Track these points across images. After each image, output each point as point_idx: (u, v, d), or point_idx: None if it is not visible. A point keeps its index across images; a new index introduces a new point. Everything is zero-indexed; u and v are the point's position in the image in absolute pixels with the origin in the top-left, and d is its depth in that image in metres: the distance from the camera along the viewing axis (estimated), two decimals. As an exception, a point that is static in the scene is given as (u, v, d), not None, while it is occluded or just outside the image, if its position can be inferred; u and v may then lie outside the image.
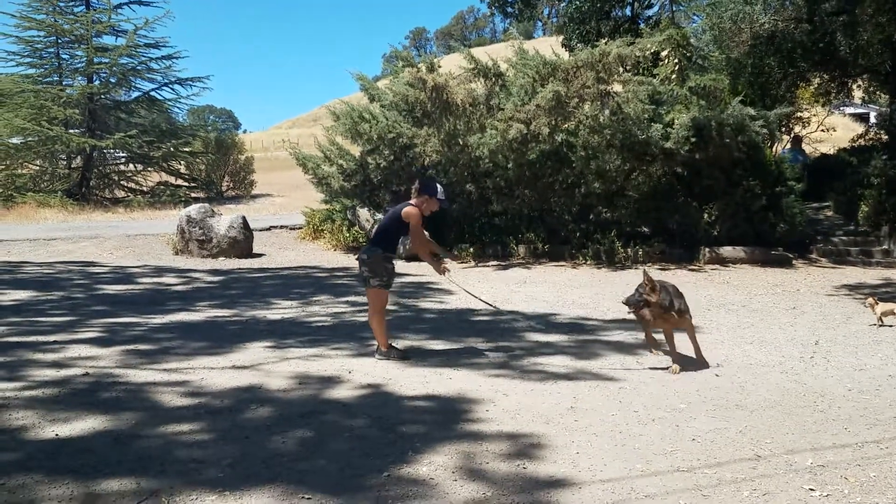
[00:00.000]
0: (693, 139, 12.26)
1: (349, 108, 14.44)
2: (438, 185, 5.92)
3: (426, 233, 6.12)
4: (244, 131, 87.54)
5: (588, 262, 12.69)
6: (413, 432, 4.16)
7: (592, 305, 8.84)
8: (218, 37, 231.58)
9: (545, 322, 7.11)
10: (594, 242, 12.94)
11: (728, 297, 9.68)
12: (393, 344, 6.03)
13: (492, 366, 5.73)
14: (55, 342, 6.20)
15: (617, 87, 12.88)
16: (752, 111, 12.82)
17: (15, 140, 27.42)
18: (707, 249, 12.80)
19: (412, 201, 5.90)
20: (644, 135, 12.37)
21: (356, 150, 15.02)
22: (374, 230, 5.94)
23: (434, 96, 12.64)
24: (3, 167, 27.47)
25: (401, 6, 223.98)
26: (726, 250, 12.78)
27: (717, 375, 5.59)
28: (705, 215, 13.07)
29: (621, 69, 12.64)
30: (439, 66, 13.70)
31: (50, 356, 5.69)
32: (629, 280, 11.08)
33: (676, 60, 15.86)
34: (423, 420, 4.39)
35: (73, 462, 3.58)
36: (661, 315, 5.67)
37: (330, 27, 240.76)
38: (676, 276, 11.51)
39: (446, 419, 4.40)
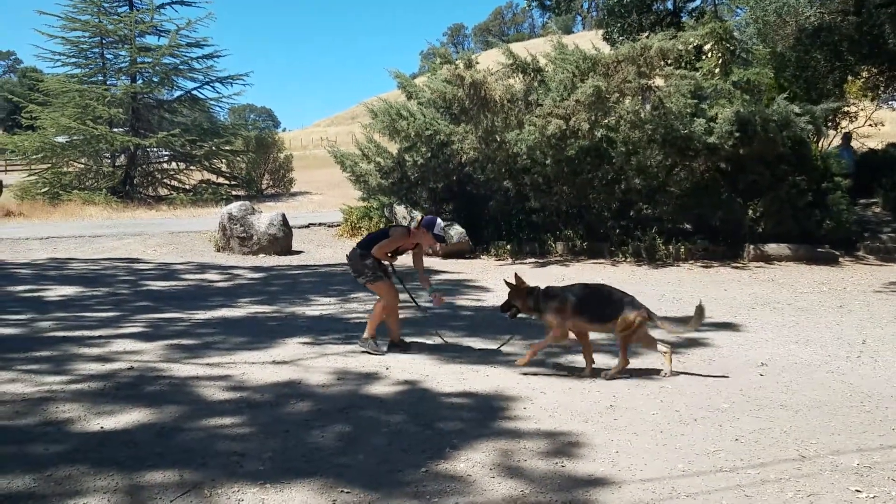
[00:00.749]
0: (737, 134, 12.03)
1: (387, 106, 14.48)
2: (438, 222, 6.09)
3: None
4: (283, 130, 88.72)
5: (628, 260, 12.54)
6: (450, 429, 4.16)
7: (632, 303, 8.71)
8: (258, 36, 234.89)
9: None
10: (634, 239, 12.78)
11: (773, 295, 9.47)
12: (377, 339, 6.08)
13: (530, 363, 5.69)
14: (100, 337, 6.36)
15: (658, 82, 12.70)
16: (796, 108, 12.53)
17: (61, 139, 28.14)
18: (751, 247, 12.55)
19: (411, 227, 6.21)
20: (686, 130, 12.17)
21: (394, 148, 15.07)
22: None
23: (472, 93, 12.61)
24: (49, 165, 28.25)
25: (439, 3, 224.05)
26: (771, 247, 12.51)
27: (761, 375, 5.48)
28: (749, 212, 12.81)
29: (663, 63, 12.45)
30: (477, 63, 13.66)
31: (95, 350, 5.83)
32: (670, 278, 10.94)
33: (719, 54, 15.55)
34: (461, 416, 4.39)
35: (118, 454, 3.66)
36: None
37: (368, 25, 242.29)
38: (720, 274, 11.32)
39: (483, 416, 4.39)
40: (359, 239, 6.55)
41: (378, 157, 14.90)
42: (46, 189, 26.71)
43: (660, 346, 5.53)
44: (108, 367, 5.32)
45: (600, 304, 5.46)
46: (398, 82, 15.66)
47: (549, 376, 5.31)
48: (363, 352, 5.98)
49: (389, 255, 6.08)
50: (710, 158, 12.73)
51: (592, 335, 5.65)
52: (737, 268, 11.90)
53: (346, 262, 6.71)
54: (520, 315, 5.69)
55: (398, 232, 6.06)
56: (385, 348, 6.09)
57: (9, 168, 38.54)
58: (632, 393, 4.93)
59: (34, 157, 28.24)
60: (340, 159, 15.43)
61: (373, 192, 15.29)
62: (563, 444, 3.93)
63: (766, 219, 12.75)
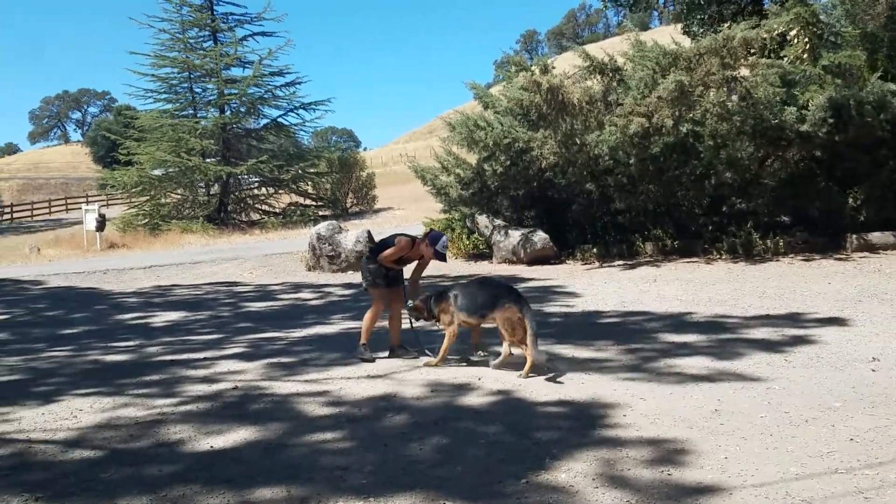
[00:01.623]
0: (831, 120, 11.44)
1: (464, 118, 14.57)
2: (444, 240, 6.28)
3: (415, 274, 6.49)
4: (364, 149, 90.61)
5: (723, 257, 12.09)
6: (548, 438, 4.10)
7: (731, 302, 8.40)
8: (335, 59, 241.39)
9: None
10: (729, 235, 12.32)
11: (880, 286, 8.92)
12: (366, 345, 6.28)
13: (625, 368, 5.56)
14: (205, 359, 6.63)
15: (744, 72, 12.25)
16: (893, 86, 11.80)
17: (157, 172, 29.71)
18: (854, 236, 11.88)
19: (417, 238, 6.32)
20: (777, 119, 11.68)
21: (472, 159, 15.13)
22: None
23: (549, 98, 12.51)
24: (148, 197, 29.86)
25: (510, 11, 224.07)
26: (875, 236, 11.81)
27: (873, 370, 5.16)
28: (849, 200, 12.15)
29: (748, 53, 12.00)
30: (553, 67, 13.56)
31: (201, 372, 6.08)
32: (770, 273, 10.48)
33: (806, 39, 14.81)
34: (558, 426, 4.32)
35: (228, 472, 3.80)
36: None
37: (440, 40, 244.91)
38: (822, 267, 10.76)
39: (582, 425, 4.31)
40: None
41: (457, 169, 15.00)
42: (147, 220, 28.24)
43: (505, 348, 5.61)
44: (214, 387, 5.53)
45: (480, 299, 5.69)
46: (474, 93, 15.73)
47: (648, 381, 5.16)
48: (361, 359, 6.15)
49: (394, 262, 6.24)
50: (804, 147, 12.15)
51: None
52: (840, 259, 11.28)
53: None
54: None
55: (403, 241, 6.16)
56: (369, 354, 6.22)
57: (110, 202, 41.10)
58: (737, 396, 4.73)
59: (133, 190, 29.93)
60: (421, 173, 15.62)
61: (454, 203, 15.39)
62: (667, 452, 3.80)
63: (867, 206, 12.09)
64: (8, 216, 48.35)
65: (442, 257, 6.31)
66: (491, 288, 5.84)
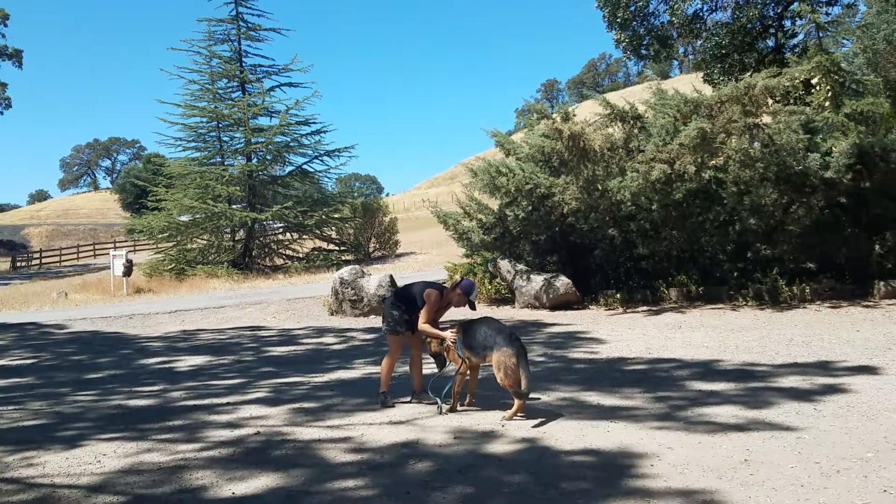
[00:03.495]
0: (857, 167, 11.39)
1: (486, 164, 14.71)
2: (475, 287, 6.38)
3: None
4: (387, 194, 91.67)
5: (749, 303, 11.93)
6: (574, 488, 4.02)
7: (759, 350, 8.26)
8: (360, 106, 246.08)
9: None
10: (754, 282, 12.17)
11: (914, 334, 8.72)
12: (386, 392, 6.31)
13: (653, 417, 5.47)
14: (228, 403, 6.64)
15: (766, 119, 12.27)
16: (918, 134, 11.76)
17: (184, 218, 30.14)
18: (881, 283, 11.68)
19: (445, 289, 6.34)
20: (801, 165, 11.65)
21: (494, 204, 15.21)
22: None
23: (570, 144, 12.60)
24: (174, 243, 30.27)
25: (530, 60, 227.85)
26: (904, 283, 11.59)
27: (909, 421, 5.02)
28: (876, 247, 11.97)
29: (769, 101, 12.04)
30: (574, 115, 13.71)
31: (224, 417, 6.09)
32: (797, 321, 10.32)
33: (828, 87, 14.89)
34: (584, 475, 4.24)
35: (251, 518, 3.77)
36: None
37: (462, 87, 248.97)
38: (850, 315, 10.57)
39: (609, 475, 4.23)
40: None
41: (479, 214, 15.08)
42: (173, 265, 28.55)
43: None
44: (237, 433, 5.53)
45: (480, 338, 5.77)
46: (495, 140, 15.90)
47: (676, 430, 5.06)
48: (382, 405, 6.17)
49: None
50: (829, 194, 12.07)
51: None
52: (868, 306, 11.08)
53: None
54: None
55: (434, 295, 6.13)
56: (391, 401, 6.25)
57: (137, 248, 41.76)
58: (767, 445, 4.62)
59: (160, 236, 30.35)
60: (443, 218, 15.72)
61: (476, 248, 15.43)
62: (697, 503, 3.71)
63: (894, 254, 11.88)
64: (37, 262, 49.31)
65: (472, 305, 6.32)
66: (492, 328, 5.79)
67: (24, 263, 49.41)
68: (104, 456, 4.98)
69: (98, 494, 4.22)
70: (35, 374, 8.98)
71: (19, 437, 5.57)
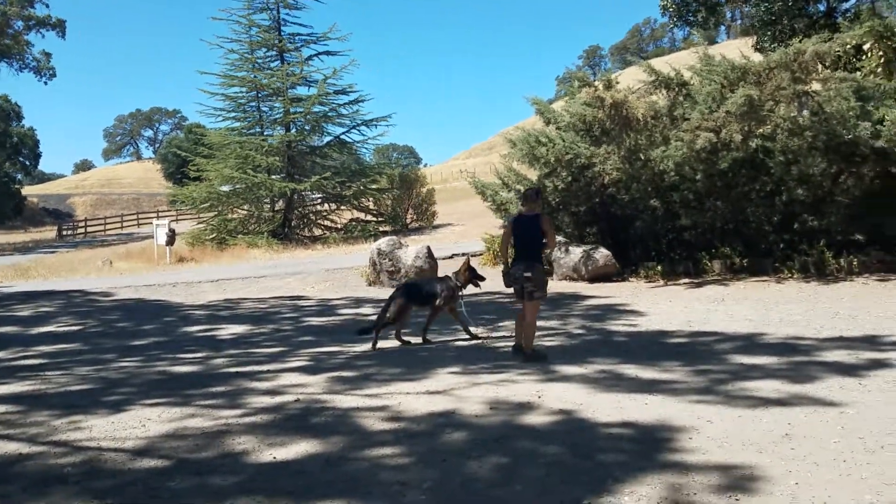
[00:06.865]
0: (910, 134, 10.93)
1: (525, 134, 14.52)
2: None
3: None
4: (425, 165, 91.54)
5: (794, 276, 11.65)
6: (611, 460, 4.00)
7: (804, 323, 8.08)
8: (398, 77, 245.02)
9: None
10: (800, 254, 11.87)
11: (969, 308, 8.43)
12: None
13: (692, 390, 5.39)
14: (269, 371, 6.75)
15: (816, 86, 11.84)
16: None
17: (225, 188, 30.55)
18: (934, 256, 11.28)
19: (536, 210, 6.77)
20: (851, 134, 11.25)
21: (533, 175, 15.05)
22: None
23: (613, 113, 12.36)
24: (216, 213, 30.73)
25: (572, 26, 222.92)
26: (958, 255, 11.18)
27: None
28: (930, 218, 11.54)
29: (820, 67, 11.60)
30: (616, 83, 13.41)
31: (265, 384, 6.19)
32: (844, 293, 10.06)
33: (881, 53, 14.25)
34: (621, 448, 4.21)
35: (290, 484, 3.84)
36: None
37: (501, 55, 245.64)
38: (901, 288, 10.24)
39: (646, 447, 4.19)
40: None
41: (518, 185, 14.93)
42: (214, 235, 29.05)
43: None
44: (277, 399, 5.62)
45: None
46: (536, 108, 15.67)
47: (716, 404, 4.98)
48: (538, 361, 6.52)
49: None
50: (880, 163, 11.64)
51: None
52: (920, 280, 10.73)
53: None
54: None
55: (546, 219, 6.80)
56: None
57: (180, 217, 42.52)
58: (809, 420, 4.53)
59: (202, 206, 30.84)
60: (481, 189, 15.62)
61: (514, 219, 15.30)
62: (736, 478, 3.66)
63: (947, 225, 11.45)
64: (82, 230, 50.66)
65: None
66: None
67: (69, 232, 50.82)
68: (149, 420, 5.11)
69: (143, 458, 4.33)
70: (81, 340, 9.24)
71: (66, 402, 5.74)
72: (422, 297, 7.98)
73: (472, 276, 8.00)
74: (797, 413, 4.69)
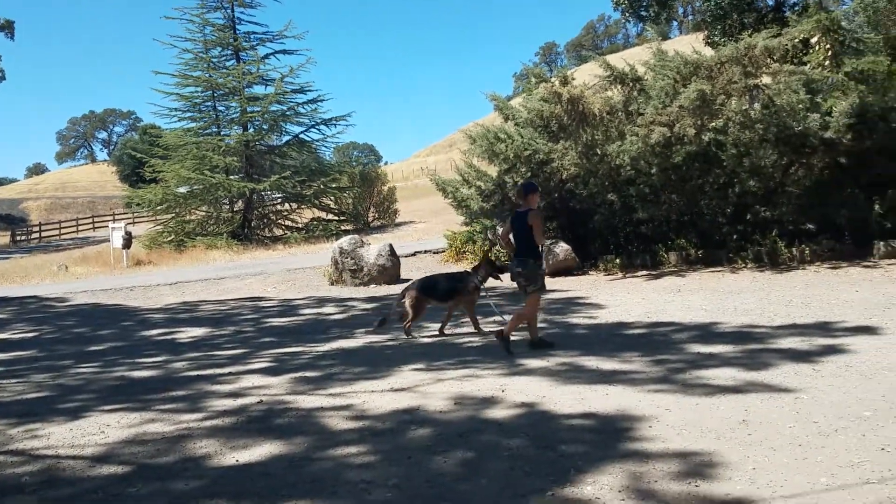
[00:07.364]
0: (856, 127, 11.29)
1: (484, 130, 14.60)
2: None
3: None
4: (385, 163, 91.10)
5: (748, 266, 11.95)
6: (573, 451, 4.07)
7: (758, 311, 8.29)
8: (356, 77, 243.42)
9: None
10: (754, 244, 12.18)
11: (912, 294, 8.74)
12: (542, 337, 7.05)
13: (651, 380, 5.51)
14: (230, 374, 6.68)
15: (766, 80, 12.15)
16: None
17: (182, 189, 30.00)
18: (881, 244, 11.69)
19: (531, 206, 6.83)
20: (801, 126, 11.57)
21: (493, 171, 15.13)
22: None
23: (570, 108, 12.51)
24: (173, 215, 30.18)
25: (528, 24, 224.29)
26: (904, 243, 11.59)
27: (907, 381, 5.05)
28: (876, 207, 11.94)
29: (769, 61, 11.90)
30: (573, 79, 13.56)
31: (226, 387, 6.12)
32: (797, 282, 10.34)
33: (828, 46, 14.68)
34: (583, 438, 4.29)
35: (254, 486, 3.81)
36: None
37: (460, 51, 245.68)
38: (849, 275, 10.59)
39: (607, 437, 4.27)
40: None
41: (478, 181, 15.00)
42: (172, 237, 28.52)
43: None
44: (239, 402, 5.57)
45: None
46: (494, 104, 15.75)
47: (675, 393, 5.10)
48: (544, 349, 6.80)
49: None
50: (829, 154, 12.01)
51: None
52: (867, 267, 11.09)
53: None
54: None
55: (535, 215, 6.79)
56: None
57: (136, 220, 41.64)
58: (765, 406, 4.66)
59: (159, 208, 30.25)
60: (442, 186, 15.66)
61: (475, 215, 15.39)
62: (695, 464, 3.75)
63: (894, 213, 11.85)
64: (36, 235, 49.30)
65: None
66: None
67: (23, 237, 49.42)
68: (108, 427, 5.02)
69: (102, 465, 4.26)
70: (37, 347, 9.02)
71: (23, 410, 5.61)
72: (439, 292, 8.03)
73: (493, 270, 8.04)
74: (753, 399, 4.82)
